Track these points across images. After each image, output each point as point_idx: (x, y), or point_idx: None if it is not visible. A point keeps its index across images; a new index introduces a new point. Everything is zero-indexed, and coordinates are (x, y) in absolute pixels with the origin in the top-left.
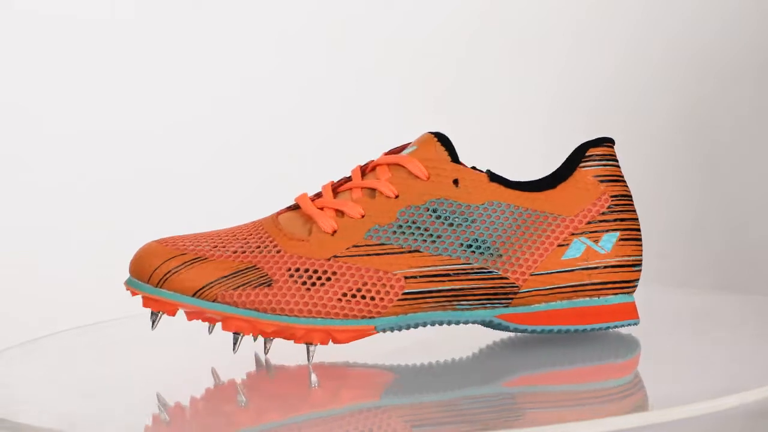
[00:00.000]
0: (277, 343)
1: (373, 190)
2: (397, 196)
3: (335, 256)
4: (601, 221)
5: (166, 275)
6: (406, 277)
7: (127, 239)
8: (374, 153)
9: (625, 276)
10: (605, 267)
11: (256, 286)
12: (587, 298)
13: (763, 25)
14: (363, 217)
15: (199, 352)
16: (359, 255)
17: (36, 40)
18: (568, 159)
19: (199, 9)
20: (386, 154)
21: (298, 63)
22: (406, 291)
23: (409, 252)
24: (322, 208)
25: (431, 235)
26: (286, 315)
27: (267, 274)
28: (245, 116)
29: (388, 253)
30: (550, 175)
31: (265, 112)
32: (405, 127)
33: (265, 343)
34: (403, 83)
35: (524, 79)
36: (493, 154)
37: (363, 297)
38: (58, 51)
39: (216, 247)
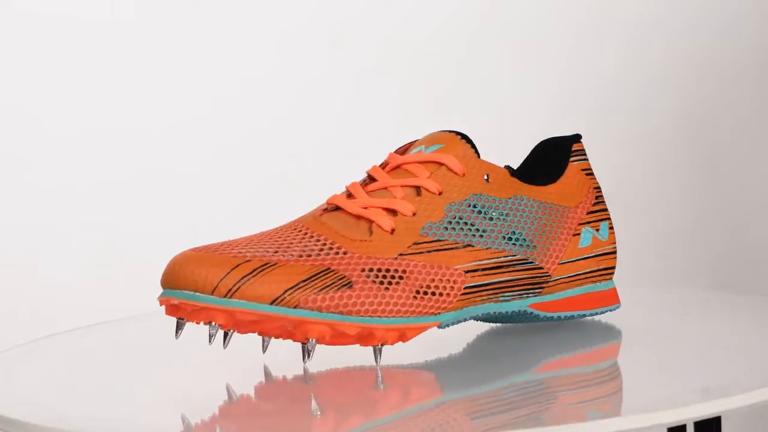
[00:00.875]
0: (274, 345)
1: (418, 187)
2: (440, 193)
3: (401, 254)
4: (595, 211)
5: (237, 284)
6: (466, 272)
7: (127, 239)
8: (374, 153)
9: (612, 262)
10: (605, 254)
11: (338, 289)
12: (596, 284)
13: (763, 25)
14: (414, 214)
15: (204, 354)
16: (422, 252)
17: (36, 40)
18: (540, 155)
19: (199, 9)
20: (397, 153)
21: (298, 63)
22: (467, 285)
23: (464, 247)
24: (366, 208)
25: (477, 230)
26: (369, 316)
27: (345, 276)
28: (245, 116)
29: (446, 249)
30: (530, 168)
31: (265, 112)
32: (405, 127)
33: (264, 342)
34: (403, 83)
35: (524, 79)
36: (493, 154)
37: (432, 293)
38: (58, 51)
39: (277, 252)
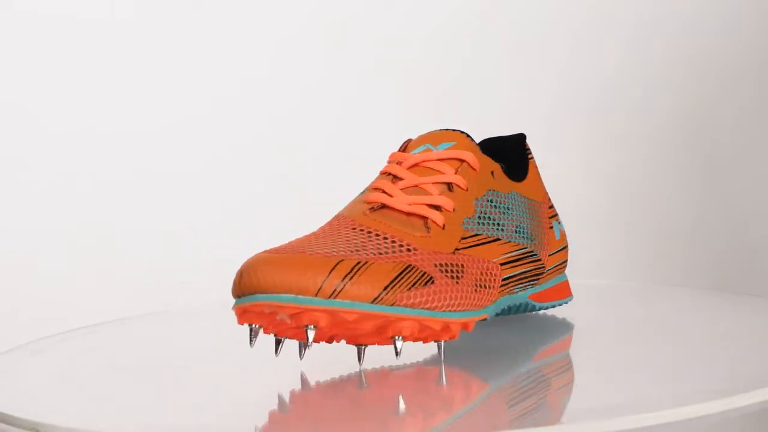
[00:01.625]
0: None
1: (449, 184)
2: (467, 189)
3: (457, 249)
4: (551, 206)
5: (340, 284)
6: (501, 264)
7: (127, 239)
8: (374, 153)
9: (567, 256)
10: (565, 247)
11: (422, 285)
12: (562, 275)
13: (763, 25)
14: (454, 210)
15: (210, 352)
16: (470, 246)
17: (36, 40)
18: (491, 150)
19: (199, 9)
20: (402, 152)
21: (298, 63)
22: (503, 277)
23: (494, 240)
24: (411, 205)
25: (498, 224)
26: (447, 311)
27: (425, 272)
28: (245, 116)
29: (484, 243)
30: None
31: (265, 112)
32: (405, 127)
33: (302, 349)
34: (403, 83)
35: (524, 79)
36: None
37: (484, 287)
38: (58, 51)
39: (358, 251)
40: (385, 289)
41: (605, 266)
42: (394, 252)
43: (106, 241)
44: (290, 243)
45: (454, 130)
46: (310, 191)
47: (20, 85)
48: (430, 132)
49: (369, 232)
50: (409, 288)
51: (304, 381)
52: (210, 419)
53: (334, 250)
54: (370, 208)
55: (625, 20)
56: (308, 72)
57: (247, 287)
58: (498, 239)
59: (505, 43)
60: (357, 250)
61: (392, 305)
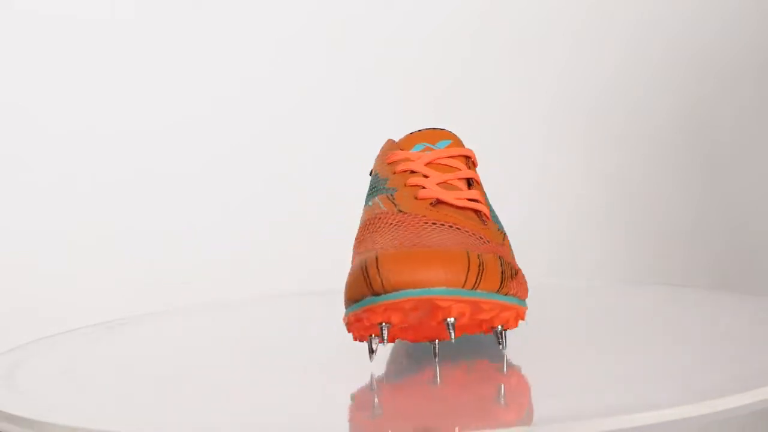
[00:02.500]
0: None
1: (469, 179)
2: (479, 183)
3: (501, 242)
4: None
5: (478, 277)
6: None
7: (127, 239)
8: (374, 153)
9: None
10: None
11: (514, 275)
12: None
13: (763, 25)
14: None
15: (210, 352)
16: (506, 237)
17: (36, 40)
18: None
19: (199, 9)
20: (401, 150)
21: (298, 63)
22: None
23: (505, 234)
24: (459, 199)
25: (497, 217)
26: (524, 299)
27: (510, 263)
28: (245, 116)
29: (505, 235)
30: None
31: (265, 112)
32: (405, 127)
33: (375, 349)
34: (403, 83)
35: (524, 79)
36: (493, 154)
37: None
38: (58, 51)
39: (461, 243)
40: (502, 280)
41: (605, 266)
42: (482, 245)
43: (106, 241)
44: (385, 240)
45: (441, 129)
46: (310, 191)
47: (20, 85)
48: (419, 132)
49: (451, 227)
50: (511, 279)
51: (378, 381)
52: (210, 419)
53: (445, 244)
54: (431, 203)
55: (625, 20)
56: (308, 72)
57: (392, 285)
58: (504, 233)
59: (505, 43)
60: (460, 243)
61: (506, 295)
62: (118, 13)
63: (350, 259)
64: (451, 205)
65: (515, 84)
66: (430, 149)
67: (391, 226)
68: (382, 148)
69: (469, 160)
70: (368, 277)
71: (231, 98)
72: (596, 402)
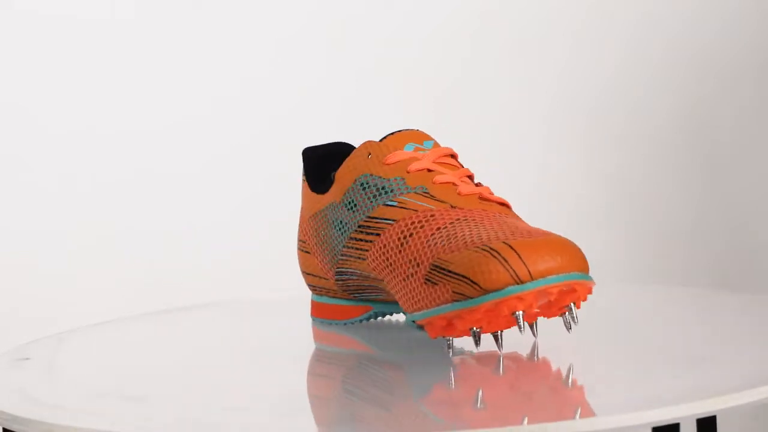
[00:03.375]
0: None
1: (471, 176)
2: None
3: None
4: None
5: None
6: None
7: (127, 239)
8: None
9: None
10: None
11: None
12: None
13: (763, 25)
14: None
15: (210, 351)
16: None
17: (36, 40)
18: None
19: (199, 9)
20: (399, 150)
21: (298, 63)
22: None
23: None
24: (491, 194)
25: None
26: None
27: None
28: (245, 116)
29: None
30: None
31: (265, 112)
32: (405, 127)
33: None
34: (403, 83)
35: (524, 79)
36: (493, 154)
37: None
38: (58, 51)
39: (531, 233)
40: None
41: (605, 266)
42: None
43: (106, 241)
44: (479, 232)
45: (418, 130)
46: None
47: (20, 85)
48: (400, 133)
49: (513, 218)
50: None
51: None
52: (211, 418)
53: (541, 232)
54: (479, 198)
55: (625, 20)
56: (308, 72)
57: (539, 272)
58: None
59: (505, 43)
60: (528, 233)
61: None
62: (118, 13)
63: None
64: (489, 200)
65: (515, 84)
66: (420, 149)
67: (463, 220)
68: (361, 152)
69: (456, 159)
70: (510, 265)
71: (231, 98)
72: (596, 401)
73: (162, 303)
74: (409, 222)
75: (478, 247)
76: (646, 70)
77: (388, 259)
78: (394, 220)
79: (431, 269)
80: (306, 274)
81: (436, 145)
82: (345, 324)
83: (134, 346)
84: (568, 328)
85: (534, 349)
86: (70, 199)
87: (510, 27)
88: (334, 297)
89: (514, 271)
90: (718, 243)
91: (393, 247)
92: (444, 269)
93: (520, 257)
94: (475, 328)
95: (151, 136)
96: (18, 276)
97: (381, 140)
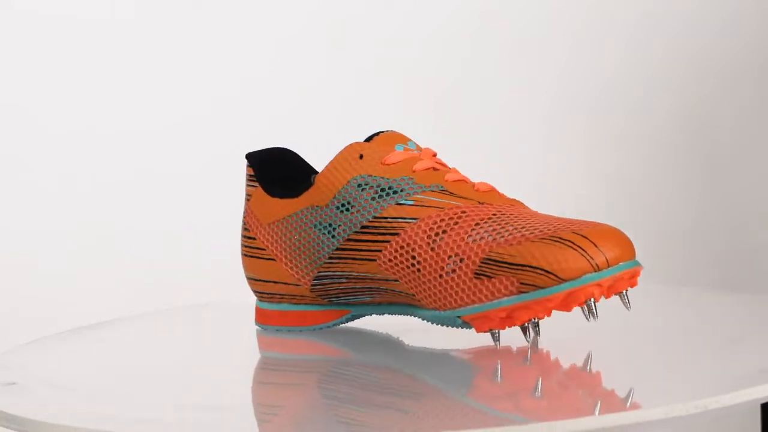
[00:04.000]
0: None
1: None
2: None
3: None
4: None
5: None
6: None
7: (127, 239)
8: None
9: None
10: None
11: None
12: None
13: (763, 25)
14: None
15: (211, 351)
16: None
17: (36, 40)
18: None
19: (199, 9)
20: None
21: (298, 63)
22: None
23: None
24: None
25: None
26: None
27: None
28: (245, 116)
29: None
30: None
31: (265, 112)
32: (405, 128)
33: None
34: (403, 83)
35: (524, 79)
36: (493, 154)
37: None
38: (58, 51)
39: (582, 222)
40: None
41: None
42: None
43: (106, 241)
44: (538, 222)
45: (396, 131)
46: None
47: (20, 85)
48: (382, 134)
49: (535, 212)
50: None
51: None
52: (212, 418)
53: (585, 222)
54: (498, 195)
55: (625, 20)
56: (308, 72)
57: (615, 258)
58: None
59: (505, 43)
60: (560, 227)
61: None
62: (118, 13)
63: None
64: (504, 197)
65: (515, 84)
66: (408, 149)
67: (501, 216)
68: (349, 153)
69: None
70: (587, 253)
71: (231, 98)
72: (596, 401)
73: (162, 303)
74: (438, 219)
75: (545, 237)
76: (646, 70)
77: (413, 258)
78: (414, 219)
79: (483, 263)
80: (261, 282)
81: (418, 146)
82: (314, 330)
83: (134, 346)
84: (628, 307)
85: (535, 346)
86: (70, 199)
87: (510, 27)
88: (300, 303)
89: (591, 258)
90: (718, 243)
91: (421, 245)
92: (504, 262)
93: (595, 245)
94: (535, 319)
95: (151, 136)
96: (18, 276)
97: (367, 141)
